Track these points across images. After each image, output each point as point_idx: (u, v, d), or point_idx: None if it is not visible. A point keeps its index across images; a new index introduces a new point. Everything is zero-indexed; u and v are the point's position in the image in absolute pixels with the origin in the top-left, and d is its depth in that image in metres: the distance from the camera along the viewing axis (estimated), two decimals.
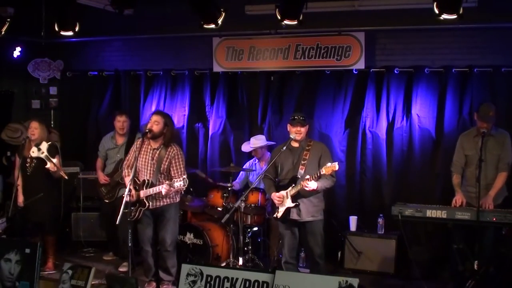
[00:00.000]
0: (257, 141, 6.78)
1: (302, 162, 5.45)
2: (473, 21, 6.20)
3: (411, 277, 6.25)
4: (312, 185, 5.25)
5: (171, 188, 5.42)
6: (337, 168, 5.18)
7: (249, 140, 6.97)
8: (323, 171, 5.19)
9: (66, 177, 6.22)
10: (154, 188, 5.56)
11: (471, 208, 5.31)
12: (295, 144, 5.57)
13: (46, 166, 6.03)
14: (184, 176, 5.47)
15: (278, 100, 7.36)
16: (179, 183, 5.36)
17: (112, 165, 6.85)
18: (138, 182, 5.69)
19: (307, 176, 5.29)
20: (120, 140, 6.87)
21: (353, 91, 7.00)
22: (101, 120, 8.01)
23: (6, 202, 7.26)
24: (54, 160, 6.06)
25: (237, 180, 6.88)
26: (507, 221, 5.10)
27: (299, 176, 5.40)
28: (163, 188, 5.47)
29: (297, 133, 5.49)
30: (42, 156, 6.03)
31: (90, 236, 7.37)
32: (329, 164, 5.19)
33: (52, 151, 6.12)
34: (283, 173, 5.58)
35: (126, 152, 6.71)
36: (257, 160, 6.87)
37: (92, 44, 8.20)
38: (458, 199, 5.53)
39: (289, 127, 5.56)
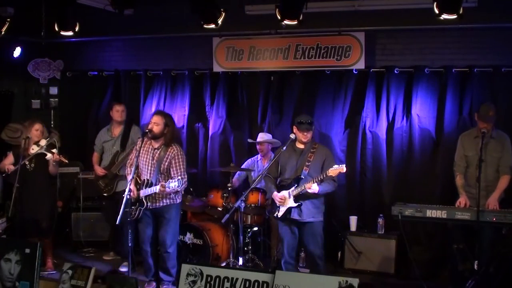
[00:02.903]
0: (266, 136, 6.80)
1: (307, 163, 5.45)
2: (473, 21, 6.20)
3: (411, 277, 6.25)
4: (314, 188, 5.25)
5: (165, 189, 5.42)
6: (344, 170, 5.19)
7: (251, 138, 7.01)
8: (330, 172, 5.19)
9: (66, 161, 6.25)
10: (152, 188, 5.57)
11: (471, 208, 5.31)
12: (300, 145, 5.57)
13: (46, 157, 6.08)
14: (179, 177, 5.45)
15: (278, 100, 7.35)
16: (174, 183, 5.35)
17: (108, 157, 6.87)
18: (139, 182, 5.70)
19: (311, 179, 5.30)
20: (116, 132, 6.90)
21: (353, 91, 6.99)
22: (101, 120, 7.99)
23: (6, 202, 7.26)
24: (54, 150, 6.14)
25: (236, 177, 6.87)
26: (507, 221, 5.10)
27: (303, 177, 5.40)
28: (158, 188, 5.48)
29: (304, 137, 5.49)
30: (42, 150, 6.09)
31: (90, 236, 7.37)
32: (336, 166, 5.19)
33: (50, 146, 6.19)
34: (286, 173, 5.58)
35: (122, 144, 6.77)
36: (259, 158, 6.86)
37: (92, 44, 8.20)
38: (462, 201, 5.50)
39: (295, 129, 5.54)
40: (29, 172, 6.23)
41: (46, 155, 6.14)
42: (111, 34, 7.94)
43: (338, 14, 6.87)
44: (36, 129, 6.27)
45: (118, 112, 6.88)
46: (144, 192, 5.61)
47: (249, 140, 7.14)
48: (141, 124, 7.56)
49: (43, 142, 6.18)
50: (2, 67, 8.12)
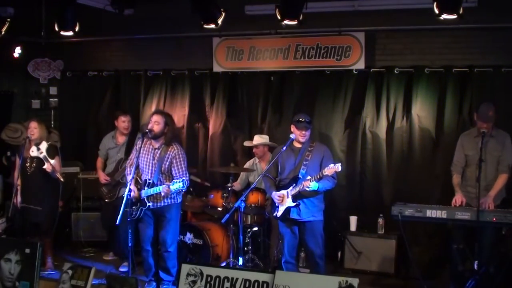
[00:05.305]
0: (261, 138, 6.79)
1: (304, 162, 5.45)
2: (473, 21, 6.20)
3: (411, 277, 6.26)
4: (313, 186, 5.26)
5: (170, 189, 5.42)
6: (339, 169, 5.20)
7: (250, 139, 6.98)
8: (326, 171, 5.20)
9: (62, 180, 6.21)
10: (154, 188, 5.57)
11: (471, 208, 5.30)
12: (298, 145, 5.58)
13: (43, 167, 6.04)
14: (184, 178, 5.45)
15: (278, 100, 7.35)
16: (178, 184, 5.35)
17: (112, 164, 6.86)
18: (140, 182, 5.69)
19: (309, 177, 5.30)
20: (121, 139, 6.88)
21: (353, 91, 6.99)
22: (101, 120, 8.01)
23: (6, 202, 7.27)
24: (52, 161, 6.09)
25: (237, 180, 6.88)
26: (507, 221, 5.10)
27: (300, 176, 5.40)
28: (162, 189, 5.48)
29: (301, 136, 5.49)
30: (41, 156, 6.05)
31: (90, 236, 7.38)
32: (332, 165, 5.20)
33: (51, 152, 6.13)
34: (284, 172, 5.58)
35: (127, 151, 6.74)
36: (257, 160, 6.87)
37: (92, 44, 8.19)
38: (458, 198, 5.52)
39: (293, 128, 5.55)
40: (28, 173, 6.21)
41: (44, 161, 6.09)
42: (111, 34, 7.93)
43: (338, 14, 6.88)
44: (29, 127, 6.23)
45: (124, 122, 6.83)
46: (146, 192, 5.61)
47: (245, 144, 7.13)
48: (140, 124, 7.56)
49: (43, 146, 6.09)
50: (2, 67, 8.13)
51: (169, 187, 5.40)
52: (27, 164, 6.21)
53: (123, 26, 7.49)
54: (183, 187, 5.37)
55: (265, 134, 7.09)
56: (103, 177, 6.84)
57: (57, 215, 6.37)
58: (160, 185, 5.55)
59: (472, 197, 5.44)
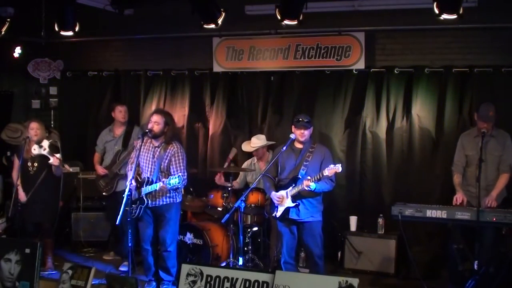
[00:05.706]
0: (258, 140, 6.78)
1: (305, 163, 5.46)
2: (473, 21, 6.21)
3: (411, 277, 6.26)
4: (312, 186, 5.27)
5: (166, 185, 5.41)
6: (340, 170, 5.21)
7: (249, 139, 6.97)
8: (326, 172, 5.21)
9: (70, 170, 6.25)
10: (152, 185, 5.57)
11: (471, 208, 5.30)
12: (299, 145, 5.59)
13: (49, 161, 6.05)
14: (180, 174, 5.45)
15: (278, 100, 7.35)
16: (174, 180, 5.33)
17: (110, 157, 6.88)
18: (140, 180, 5.70)
19: (308, 177, 5.30)
20: (118, 132, 6.92)
21: (353, 91, 6.99)
22: (101, 120, 7.99)
23: (6, 202, 7.27)
24: (57, 155, 6.10)
25: (236, 180, 6.87)
26: (507, 221, 5.09)
27: (300, 177, 5.41)
28: (158, 186, 5.48)
29: (300, 135, 5.50)
30: (45, 152, 6.06)
31: (90, 236, 7.37)
32: (332, 166, 5.21)
33: (53, 149, 6.15)
34: (284, 173, 5.59)
35: (124, 143, 6.77)
36: (255, 160, 6.86)
37: (92, 44, 8.19)
38: (459, 197, 5.53)
39: (293, 128, 5.57)
40: (30, 173, 6.21)
41: (49, 158, 6.11)
42: (111, 34, 7.93)
43: (338, 14, 6.88)
44: (32, 128, 6.23)
45: (121, 112, 6.89)
46: (144, 189, 5.61)
47: (243, 149, 7.09)
48: (140, 125, 7.56)
49: (45, 144, 6.11)
50: (2, 67, 8.13)
51: (164, 183, 5.40)
52: (29, 164, 6.21)
53: (123, 26, 7.49)
54: (179, 183, 5.34)
55: (265, 134, 7.07)
56: (100, 170, 6.85)
57: (57, 215, 6.37)
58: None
59: (473, 196, 5.45)
